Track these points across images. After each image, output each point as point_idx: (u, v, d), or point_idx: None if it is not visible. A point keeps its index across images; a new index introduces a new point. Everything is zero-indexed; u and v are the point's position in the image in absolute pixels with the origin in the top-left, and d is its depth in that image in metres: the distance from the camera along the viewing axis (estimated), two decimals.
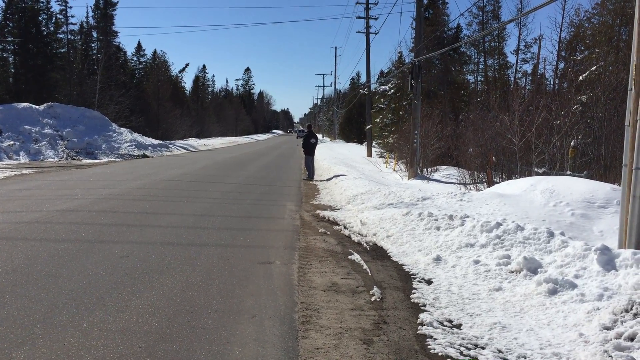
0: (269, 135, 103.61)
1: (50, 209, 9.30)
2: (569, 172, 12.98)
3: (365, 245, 7.74)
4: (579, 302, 4.79)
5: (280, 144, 57.05)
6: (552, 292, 5.09)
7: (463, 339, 4.25)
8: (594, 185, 9.23)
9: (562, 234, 6.76)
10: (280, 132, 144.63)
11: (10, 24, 35.42)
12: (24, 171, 16.45)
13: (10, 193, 11.33)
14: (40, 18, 36.64)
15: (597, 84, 17.19)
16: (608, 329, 4.20)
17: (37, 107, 26.33)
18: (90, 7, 42.24)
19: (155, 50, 58.94)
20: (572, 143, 13.94)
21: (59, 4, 38.06)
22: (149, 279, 5.52)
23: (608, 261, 5.48)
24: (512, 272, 5.81)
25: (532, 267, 5.73)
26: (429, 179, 17.79)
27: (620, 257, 5.51)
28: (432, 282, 5.80)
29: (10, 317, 4.33)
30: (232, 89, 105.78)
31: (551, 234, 6.64)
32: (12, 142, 22.22)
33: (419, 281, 5.86)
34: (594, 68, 20.27)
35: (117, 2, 42.28)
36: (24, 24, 35.15)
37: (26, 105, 26.07)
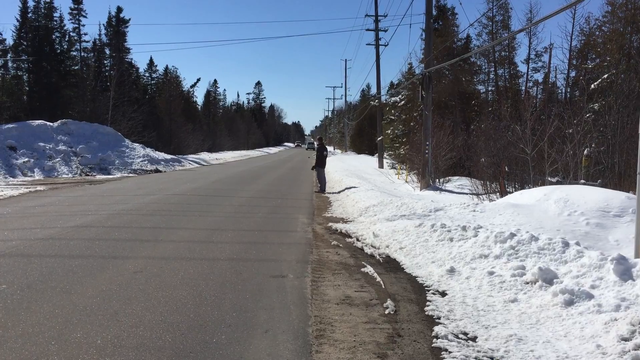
0: (280, 148, 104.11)
1: (64, 225, 9.38)
2: (582, 181, 12.88)
3: (378, 257, 7.70)
4: (596, 313, 4.73)
5: (292, 156, 57.22)
6: (569, 303, 5.02)
7: (479, 351, 4.20)
8: (609, 194, 9.13)
9: (578, 243, 6.68)
10: (291, 144, 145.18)
11: (25, 43, 36.04)
12: (39, 187, 16.62)
13: (25, 210, 11.45)
14: (53, 36, 37.27)
15: (609, 92, 17.11)
16: (626, 340, 4.13)
17: (51, 124, 26.66)
18: (103, 24, 42.95)
19: (167, 65, 59.72)
20: (585, 152, 13.83)
21: (72, 22, 38.80)
22: (163, 294, 5.54)
23: (625, 271, 5.41)
24: (527, 283, 5.75)
25: (548, 278, 5.67)
26: (441, 190, 17.72)
27: (637, 266, 5.43)
28: (446, 294, 5.75)
29: (25, 334, 4.35)
30: (243, 102, 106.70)
31: (566, 244, 6.56)
32: (26, 159, 22.49)
33: (433, 293, 5.82)
34: (605, 76, 20.18)
35: (130, 19, 43.09)
36: (38, 43, 35.76)
37: (40, 122, 26.41)
